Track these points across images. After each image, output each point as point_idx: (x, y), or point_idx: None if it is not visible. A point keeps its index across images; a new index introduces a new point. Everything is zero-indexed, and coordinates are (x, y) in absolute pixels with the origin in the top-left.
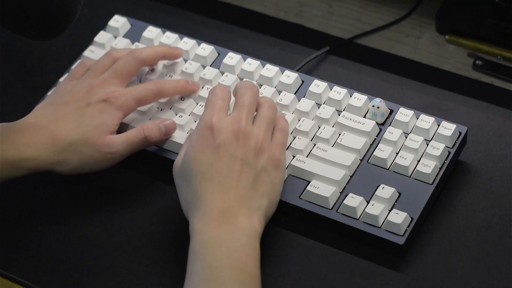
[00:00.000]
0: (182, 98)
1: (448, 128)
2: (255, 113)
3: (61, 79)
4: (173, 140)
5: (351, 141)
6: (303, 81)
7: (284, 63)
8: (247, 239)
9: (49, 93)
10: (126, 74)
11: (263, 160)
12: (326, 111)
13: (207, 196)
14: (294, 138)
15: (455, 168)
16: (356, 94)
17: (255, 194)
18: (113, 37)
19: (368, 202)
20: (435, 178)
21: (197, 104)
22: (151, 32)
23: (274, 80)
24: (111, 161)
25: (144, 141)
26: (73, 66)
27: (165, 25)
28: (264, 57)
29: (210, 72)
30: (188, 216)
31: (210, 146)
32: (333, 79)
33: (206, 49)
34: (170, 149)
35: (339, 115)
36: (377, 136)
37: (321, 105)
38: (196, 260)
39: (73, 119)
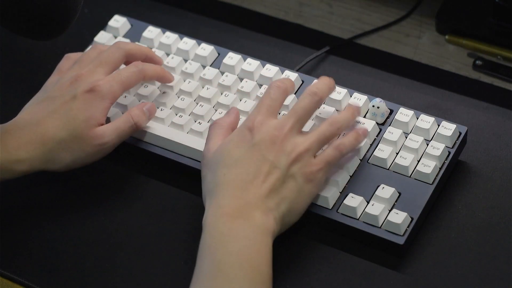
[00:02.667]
0: (182, 99)
1: (448, 128)
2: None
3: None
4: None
5: None
6: (303, 81)
7: (284, 63)
8: (260, 236)
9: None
10: (111, 63)
11: (295, 169)
12: (326, 111)
13: (227, 189)
14: None
15: (455, 168)
16: (356, 94)
17: (276, 197)
18: (113, 37)
19: (368, 202)
20: (435, 178)
21: (197, 104)
22: (151, 32)
23: (274, 80)
24: (103, 152)
25: (134, 128)
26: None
27: (165, 25)
28: (264, 57)
29: (210, 72)
30: (205, 205)
31: (246, 143)
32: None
33: (206, 49)
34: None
35: None
36: (377, 136)
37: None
38: (206, 254)
39: (60, 116)
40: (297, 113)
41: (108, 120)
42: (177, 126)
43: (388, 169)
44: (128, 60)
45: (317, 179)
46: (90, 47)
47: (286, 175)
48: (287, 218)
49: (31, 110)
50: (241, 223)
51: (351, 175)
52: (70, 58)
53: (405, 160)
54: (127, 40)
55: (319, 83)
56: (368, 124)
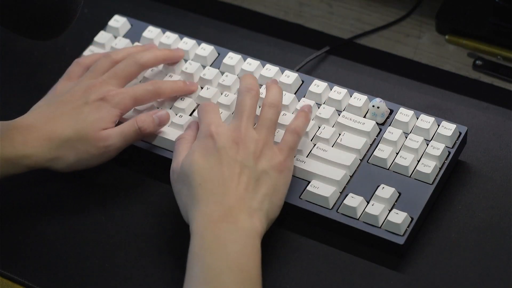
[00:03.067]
0: (182, 98)
1: (448, 128)
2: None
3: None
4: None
5: (351, 141)
6: (303, 81)
7: (284, 63)
8: (247, 239)
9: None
10: (125, 77)
11: (264, 164)
12: (326, 111)
13: (207, 198)
14: None
15: (455, 168)
16: (356, 94)
17: (256, 196)
18: (113, 37)
19: (368, 202)
20: (435, 178)
21: (197, 104)
22: (151, 32)
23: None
24: (107, 155)
25: (138, 133)
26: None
27: (165, 25)
28: (264, 57)
29: (210, 72)
30: (187, 220)
31: (210, 150)
32: (333, 79)
33: (206, 49)
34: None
35: (339, 115)
36: (377, 136)
37: (321, 105)
38: (195, 262)
39: (69, 117)
40: (245, 112)
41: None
42: (177, 126)
43: (388, 169)
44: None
45: (286, 168)
46: (91, 46)
47: (257, 172)
48: (271, 214)
49: (40, 110)
50: (227, 228)
51: (351, 175)
52: (79, 64)
53: (405, 160)
54: (127, 41)
55: (246, 80)
56: (368, 124)
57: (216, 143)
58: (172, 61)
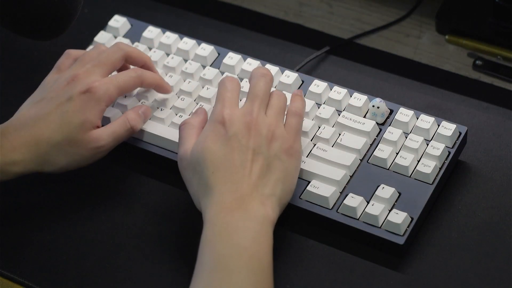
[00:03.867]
0: (182, 98)
1: (448, 128)
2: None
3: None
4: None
5: (351, 141)
6: (303, 81)
7: (284, 63)
8: (259, 226)
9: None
10: (109, 64)
11: (276, 149)
12: (326, 111)
13: (220, 186)
14: None
15: (455, 168)
16: (356, 94)
17: (268, 182)
18: (113, 37)
19: (368, 202)
20: (435, 178)
21: (197, 104)
22: (151, 32)
23: (274, 80)
24: (99, 155)
25: (130, 131)
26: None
27: (165, 25)
28: (264, 57)
29: (210, 72)
30: (200, 207)
31: (222, 137)
32: (333, 79)
33: (206, 49)
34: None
35: (339, 115)
36: (377, 136)
37: (321, 105)
38: (206, 249)
39: (55, 118)
40: (259, 96)
41: (107, 121)
42: (177, 126)
43: (388, 169)
44: (127, 62)
45: (296, 151)
46: (90, 46)
47: (270, 158)
48: (284, 199)
49: (27, 111)
50: (240, 215)
51: (351, 175)
52: (70, 55)
53: (405, 160)
54: (127, 40)
55: (259, 68)
56: (368, 124)
57: (228, 130)
58: (150, 69)
